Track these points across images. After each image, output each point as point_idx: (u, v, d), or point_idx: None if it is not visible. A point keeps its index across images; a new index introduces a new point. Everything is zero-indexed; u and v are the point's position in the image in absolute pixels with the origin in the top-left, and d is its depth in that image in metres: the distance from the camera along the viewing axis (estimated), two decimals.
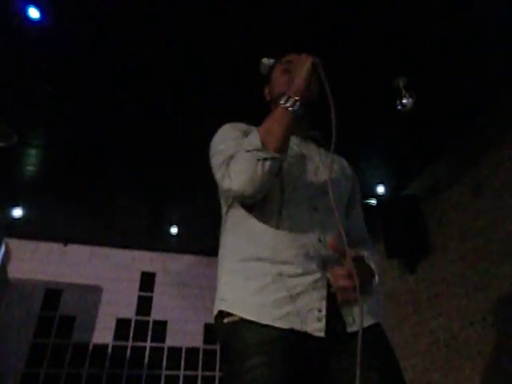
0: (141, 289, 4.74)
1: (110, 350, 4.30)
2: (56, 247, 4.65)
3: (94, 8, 2.13)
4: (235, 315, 0.98)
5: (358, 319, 0.97)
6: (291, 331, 0.94)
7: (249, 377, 0.90)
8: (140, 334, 4.47)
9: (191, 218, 4.30)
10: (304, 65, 1.07)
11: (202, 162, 3.72)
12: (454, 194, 3.09)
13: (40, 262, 4.51)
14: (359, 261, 1.03)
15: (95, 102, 2.73)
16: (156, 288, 4.80)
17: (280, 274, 1.00)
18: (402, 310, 3.55)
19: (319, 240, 1.05)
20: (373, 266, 1.08)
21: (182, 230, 4.46)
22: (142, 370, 4.29)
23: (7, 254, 4.37)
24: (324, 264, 1.02)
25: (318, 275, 1.00)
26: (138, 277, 4.80)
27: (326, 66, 1.07)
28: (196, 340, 4.61)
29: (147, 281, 4.81)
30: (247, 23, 2.20)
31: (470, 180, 2.91)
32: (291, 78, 1.10)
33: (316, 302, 0.97)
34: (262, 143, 1.00)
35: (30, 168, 3.43)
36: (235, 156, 1.04)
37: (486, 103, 2.69)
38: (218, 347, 4.55)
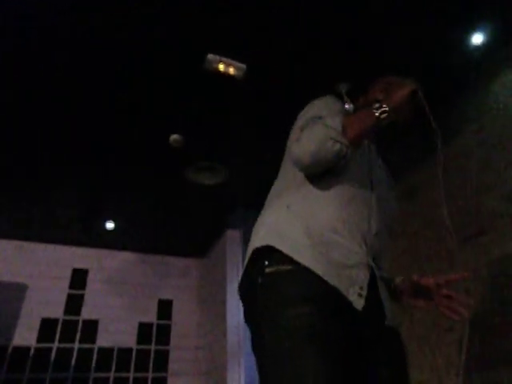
0: (71, 286, 4.46)
1: (32, 352, 3.99)
2: None
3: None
4: (286, 256, 1.02)
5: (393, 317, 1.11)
6: (336, 291, 1.00)
7: (300, 322, 0.94)
8: (68, 335, 4.19)
9: (129, 214, 4.12)
10: (407, 87, 1.16)
11: (143, 156, 3.57)
12: None
13: None
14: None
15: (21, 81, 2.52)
16: (88, 286, 4.54)
17: (337, 242, 1.07)
18: None
19: (376, 234, 1.15)
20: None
21: (118, 226, 4.26)
22: (68, 373, 4.03)
23: None
24: (370, 255, 1.11)
25: (365, 260, 1.09)
26: (68, 274, 4.51)
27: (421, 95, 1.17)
28: (129, 340, 4.42)
29: (78, 278, 4.52)
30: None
31: (406, 184, 3.09)
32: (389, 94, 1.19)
33: (359, 280, 1.04)
34: (343, 129, 1.09)
35: None
36: (313, 125, 1.13)
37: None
38: (152, 347, 4.43)
